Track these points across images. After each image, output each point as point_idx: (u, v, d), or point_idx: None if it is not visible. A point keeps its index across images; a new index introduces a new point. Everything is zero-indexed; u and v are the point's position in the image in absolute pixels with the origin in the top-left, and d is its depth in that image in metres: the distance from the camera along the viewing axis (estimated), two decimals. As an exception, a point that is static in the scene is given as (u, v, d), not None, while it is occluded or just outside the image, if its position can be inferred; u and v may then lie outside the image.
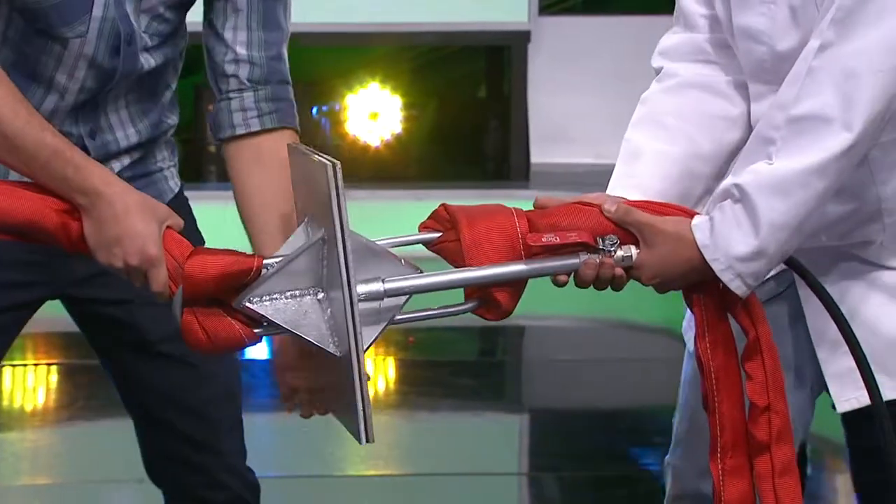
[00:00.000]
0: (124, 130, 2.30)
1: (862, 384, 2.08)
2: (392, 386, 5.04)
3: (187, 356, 2.25)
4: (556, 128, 7.91)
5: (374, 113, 8.21)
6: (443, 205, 2.07)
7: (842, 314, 2.05)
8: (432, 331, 5.49)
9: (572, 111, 7.64)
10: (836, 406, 2.17)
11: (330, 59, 8.12)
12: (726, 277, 1.99)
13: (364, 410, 1.91)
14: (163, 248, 2.01)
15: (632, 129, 2.24)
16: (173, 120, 2.40)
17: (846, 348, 2.10)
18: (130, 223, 2.00)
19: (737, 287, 1.99)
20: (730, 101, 2.19)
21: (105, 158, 2.26)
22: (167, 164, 2.40)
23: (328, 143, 8.11)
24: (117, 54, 2.20)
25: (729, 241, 1.97)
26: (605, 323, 5.65)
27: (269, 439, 3.96)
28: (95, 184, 2.01)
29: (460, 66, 8.55)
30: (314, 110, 8.63)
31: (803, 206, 1.96)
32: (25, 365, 5.19)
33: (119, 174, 2.23)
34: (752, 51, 2.11)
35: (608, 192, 2.13)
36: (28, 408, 4.93)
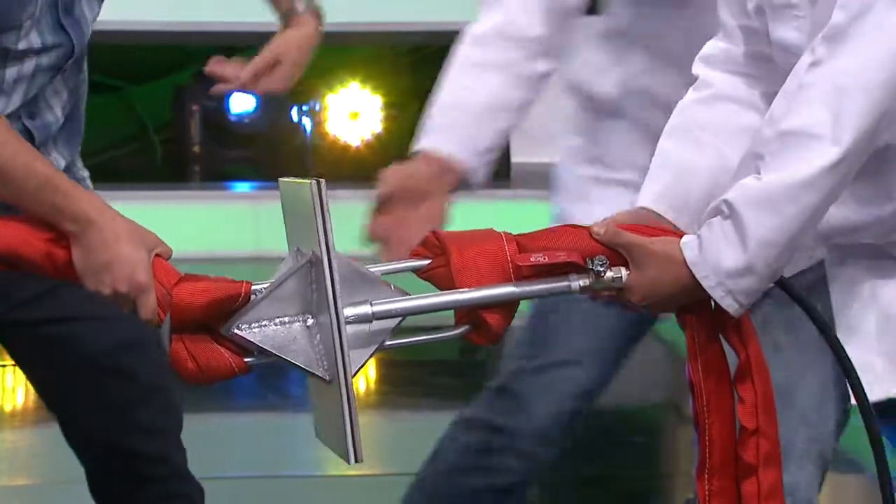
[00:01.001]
0: (55, 112, 2.29)
1: (880, 377, 2.10)
2: (373, 386, 5.04)
3: (134, 369, 2.27)
4: (536, 127, 7.91)
5: (354, 112, 8.21)
6: (432, 231, 2.08)
7: (830, 329, 2.05)
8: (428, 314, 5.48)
9: (552, 111, 7.65)
10: (852, 398, 2.18)
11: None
12: (717, 294, 1.98)
13: (353, 433, 1.91)
14: (152, 276, 2.01)
15: (664, 137, 2.24)
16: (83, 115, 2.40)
17: (870, 343, 2.12)
18: (120, 250, 2.00)
19: (728, 305, 1.98)
20: (762, 114, 2.19)
21: (45, 142, 2.26)
22: (85, 173, 2.40)
23: (308, 142, 8.11)
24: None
25: (718, 257, 1.97)
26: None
27: (252, 440, 3.95)
28: (86, 210, 2.01)
29: (441, 66, 8.56)
30: (294, 109, 8.63)
31: (793, 222, 1.95)
32: (4, 366, 5.17)
33: None
34: (788, 63, 2.11)
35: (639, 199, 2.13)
36: (7, 408, 4.92)
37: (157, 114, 9.31)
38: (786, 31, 2.08)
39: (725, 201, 1.97)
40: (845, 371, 2.06)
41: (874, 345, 2.16)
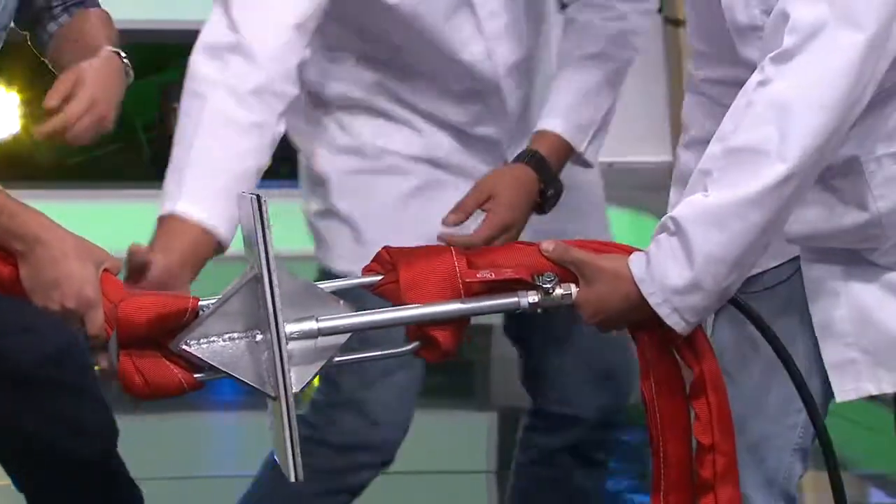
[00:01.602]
0: None
1: (861, 376, 2.11)
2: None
3: (63, 378, 2.27)
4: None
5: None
6: (385, 247, 2.07)
7: (778, 340, 2.05)
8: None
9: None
10: (836, 396, 2.18)
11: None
12: (663, 312, 1.97)
13: (293, 451, 1.89)
14: (100, 291, 2.00)
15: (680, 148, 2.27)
16: None
17: (847, 339, 2.12)
18: (68, 266, 1.99)
19: (675, 322, 1.98)
20: None
21: None
22: None
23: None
24: None
25: (664, 273, 1.96)
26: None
27: (238, 439, 3.94)
28: (33, 229, 2.00)
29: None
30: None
31: (740, 239, 1.95)
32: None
33: None
34: None
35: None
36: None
37: (145, 112, 9.29)
38: (752, 52, 2.07)
39: (672, 218, 1.96)
40: (798, 387, 2.07)
41: (851, 340, 2.16)
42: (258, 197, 1.90)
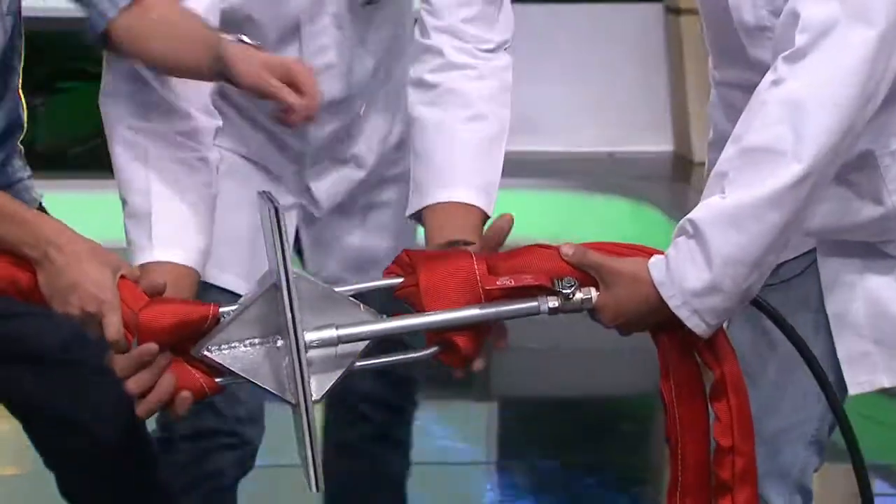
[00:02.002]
0: None
1: (875, 368, 2.10)
2: (360, 375, 5.02)
3: (82, 360, 2.26)
4: (527, 116, 7.90)
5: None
6: (405, 250, 2.07)
7: (801, 339, 2.04)
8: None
9: (540, 100, 7.63)
10: (848, 388, 2.18)
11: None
12: (683, 314, 1.97)
13: (314, 461, 1.89)
14: (118, 295, 1.99)
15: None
16: (23, 117, 2.35)
17: (862, 331, 2.12)
18: (84, 270, 1.99)
19: (695, 325, 1.97)
20: None
21: None
22: (25, 173, 2.35)
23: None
24: None
25: (683, 276, 1.95)
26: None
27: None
28: (46, 234, 2.00)
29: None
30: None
31: (758, 240, 1.94)
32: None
33: None
34: None
35: None
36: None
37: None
38: (762, 52, 2.07)
39: (690, 220, 1.96)
40: (821, 385, 2.06)
41: (866, 333, 2.15)
42: (276, 209, 1.90)
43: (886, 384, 2.18)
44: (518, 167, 8.35)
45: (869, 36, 1.90)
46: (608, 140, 7.94)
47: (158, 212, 2.16)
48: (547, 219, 6.59)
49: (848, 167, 2.05)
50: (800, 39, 1.92)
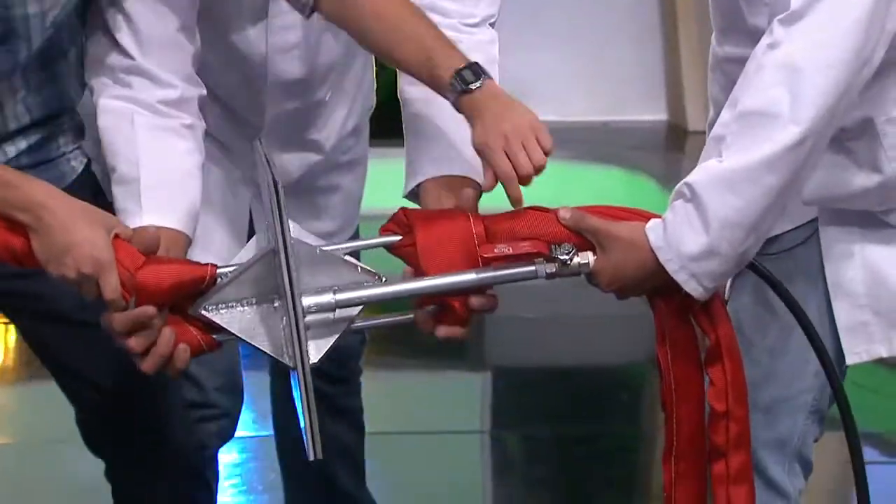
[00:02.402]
0: (13, 109, 2.22)
1: (873, 338, 2.10)
2: (354, 344, 5.02)
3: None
4: (519, 85, 7.88)
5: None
6: (402, 208, 2.06)
7: (797, 304, 2.04)
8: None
9: (535, 69, 7.61)
10: (846, 358, 2.18)
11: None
12: (681, 278, 1.97)
13: (311, 426, 1.89)
14: (113, 254, 1.98)
15: None
16: (77, 97, 2.32)
17: (861, 301, 2.12)
18: (77, 231, 1.98)
19: (693, 288, 1.97)
20: None
21: None
22: (70, 147, 2.33)
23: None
24: None
25: (681, 240, 1.95)
26: (568, 280, 5.65)
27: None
28: (37, 198, 1.99)
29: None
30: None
31: (755, 203, 1.93)
32: (-19, 325, 5.14)
33: (15, 160, 2.19)
34: None
35: None
36: (-15, 368, 4.90)
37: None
38: (761, 20, 2.07)
39: (687, 184, 1.96)
40: (817, 352, 2.06)
41: (865, 303, 2.15)
42: (275, 180, 1.90)
43: (884, 354, 2.18)
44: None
45: None
46: (602, 109, 7.92)
47: (146, 177, 2.15)
48: (541, 189, 6.56)
49: (846, 134, 2.05)
50: (795, 2, 1.91)
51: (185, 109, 2.22)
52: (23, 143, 2.24)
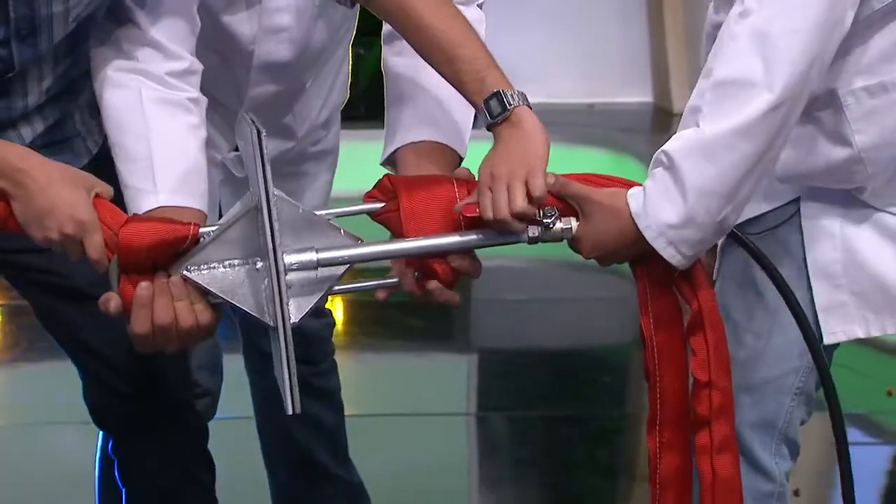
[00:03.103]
0: (36, 91, 2.20)
1: (849, 318, 2.11)
2: (340, 326, 5.02)
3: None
4: (507, 67, 7.87)
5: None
6: (386, 175, 2.07)
7: (783, 280, 2.05)
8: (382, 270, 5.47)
9: (523, 51, 7.61)
10: (824, 338, 2.19)
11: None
12: (659, 245, 1.98)
13: (290, 381, 1.90)
14: (95, 214, 1.97)
15: None
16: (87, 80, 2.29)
17: (838, 281, 2.13)
18: (57, 192, 1.97)
19: (670, 256, 1.98)
20: None
21: (11, 124, 2.19)
22: (83, 127, 2.30)
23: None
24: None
25: (659, 207, 1.97)
26: (554, 263, 5.65)
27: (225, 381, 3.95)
28: (13, 162, 1.97)
29: None
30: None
31: (732, 171, 1.94)
32: (-32, 307, 5.14)
33: (32, 143, 2.18)
34: None
35: None
36: (-29, 350, 4.89)
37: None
38: None
39: (665, 152, 1.97)
40: (799, 322, 2.06)
41: (843, 283, 2.16)
42: (258, 131, 1.89)
43: (861, 335, 2.19)
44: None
45: None
46: (588, 91, 7.92)
47: (159, 155, 2.11)
48: (527, 170, 6.57)
49: (814, 105, 2.05)
50: None
51: (191, 82, 2.19)
52: (39, 125, 2.23)
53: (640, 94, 7.74)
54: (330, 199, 2.77)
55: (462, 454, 4.09)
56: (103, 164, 2.25)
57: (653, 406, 2.07)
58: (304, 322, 1.99)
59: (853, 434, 4.08)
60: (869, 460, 3.84)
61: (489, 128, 2.07)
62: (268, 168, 1.90)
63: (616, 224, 1.99)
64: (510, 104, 2.05)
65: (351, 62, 2.73)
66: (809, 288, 2.19)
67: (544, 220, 2.00)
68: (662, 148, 1.98)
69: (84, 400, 2.44)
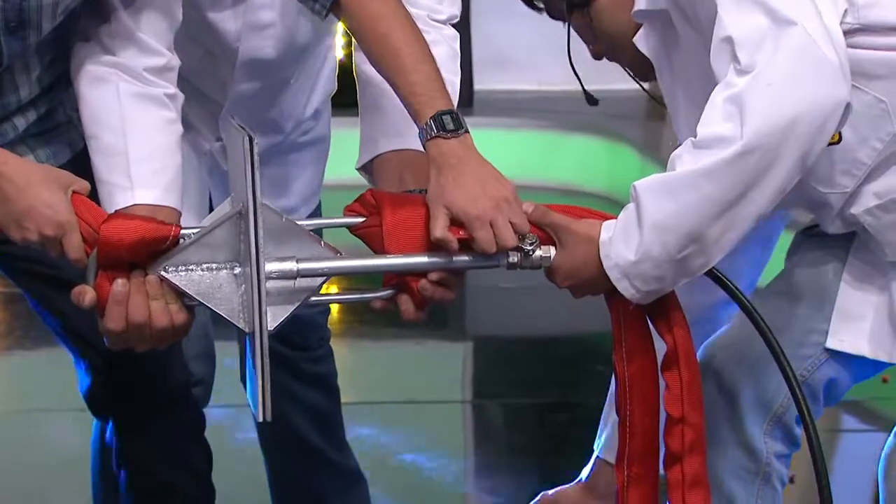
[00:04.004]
0: (28, 83, 2.20)
1: (861, 335, 2.14)
2: (336, 315, 5.02)
3: None
4: (499, 54, 7.86)
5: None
6: (370, 190, 2.08)
7: (756, 314, 2.06)
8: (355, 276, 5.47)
9: (515, 38, 7.60)
10: (828, 339, 2.21)
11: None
12: (613, 276, 1.99)
13: (263, 388, 1.90)
14: (74, 214, 1.98)
15: None
16: None
17: (869, 296, 2.16)
18: (35, 194, 1.97)
19: (624, 289, 2.00)
20: None
21: (4, 117, 2.18)
22: (74, 114, 2.28)
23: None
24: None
25: (619, 240, 1.99)
26: (548, 250, 5.66)
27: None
28: None
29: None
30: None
31: (693, 210, 1.96)
32: (-37, 295, 5.13)
33: (25, 132, 2.18)
34: None
35: None
36: (-33, 338, 4.89)
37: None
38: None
39: (634, 186, 1.98)
40: (773, 353, 2.07)
41: (874, 300, 2.18)
42: (250, 138, 1.90)
43: (866, 354, 2.19)
44: (490, 106, 8.35)
45: (796, 31, 1.95)
46: (583, 79, 7.90)
47: (135, 151, 2.12)
48: (521, 158, 6.57)
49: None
50: (742, 57, 1.96)
51: (168, 78, 2.20)
52: (32, 115, 2.23)
53: (633, 82, 7.73)
54: (323, 185, 2.77)
55: (457, 441, 4.09)
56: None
57: (622, 441, 2.08)
58: (298, 309, 1.99)
59: (848, 421, 4.08)
60: (865, 447, 3.84)
61: (430, 140, 2.03)
62: (257, 176, 1.90)
63: (589, 254, 2.01)
64: (464, 126, 2.04)
65: (349, 51, 2.73)
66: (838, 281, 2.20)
67: (525, 248, 2.01)
68: (634, 182, 2.00)
69: (80, 388, 2.44)
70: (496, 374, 4.61)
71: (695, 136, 1.99)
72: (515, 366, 4.62)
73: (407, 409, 4.19)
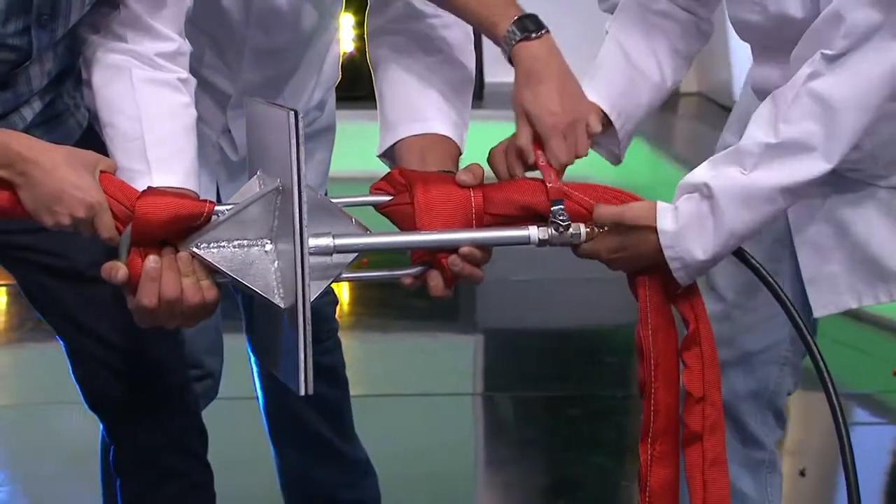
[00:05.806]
0: (39, 75, 2.20)
1: (839, 289, 2.12)
2: (345, 307, 5.03)
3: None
4: (510, 47, 7.85)
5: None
6: (398, 168, 2.08)
7: (778, 287, 2.06)
8: (387, 252, 5.47)
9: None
10: (814, 311, 2.20)
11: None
12: (674, 266, 2.01)
13: (305, 362, 1.90)
14: (104, 194, 1.98)
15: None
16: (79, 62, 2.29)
17: (826, 253, 2.15)
18: (63, 176, 1.97)
19: (680, 276, 2.02)
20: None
21: (15, 108, 2.19)
22: (72, 101, 2.30)
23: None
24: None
25: (689, 236, 2.00)
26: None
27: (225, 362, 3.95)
28: (17, 150, 1.97)
29: None
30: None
31: (763, 219, 2.00)
32: (-27, 287, 5.14)
33: (31, 121, 2.18)
34: (744, 35, 2.17)
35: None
36: (-23, 330, 4.90)
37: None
38: (745, 13, 2.13)
39: (708, 186, 1.98)
40: (793, 323, 2.07)
41: (831, 254, 2.19)
42: (295, 112, 1.90)
43: (852, 305, 2.21)
44: (500, 99, 8.35)
45: None
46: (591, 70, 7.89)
47: (152, 135, 2.11)
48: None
49: None
50: (842, 43, 1.95)
51: (181, 63, 2.19)
52: (38, 105, 2.23)
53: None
54: (329, 178, 2.77)
55: (467, 434, 4.10)
56: (92, 138, 2.24)
57: (646, 418, 2.08)
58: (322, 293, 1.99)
59: (859, 414, 4.08)
60: (875, 440, 3.84)
61: (515, 45, 2.12)
62: (302, 150, 1.90)
63: (646, 239, 2.02)
64: (544, 26, 2.12)
65: (355, 44, 2.73)
66: (792, 258, 2.21)
67: (558, 221, 2.02)
68: (705, 180, 1.99)
69: (77, 384, 2.44)
70: (507, 366, 4.61)
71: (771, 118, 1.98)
72: (526, 359, 4.62)
73: (417, 402, 4.19)
